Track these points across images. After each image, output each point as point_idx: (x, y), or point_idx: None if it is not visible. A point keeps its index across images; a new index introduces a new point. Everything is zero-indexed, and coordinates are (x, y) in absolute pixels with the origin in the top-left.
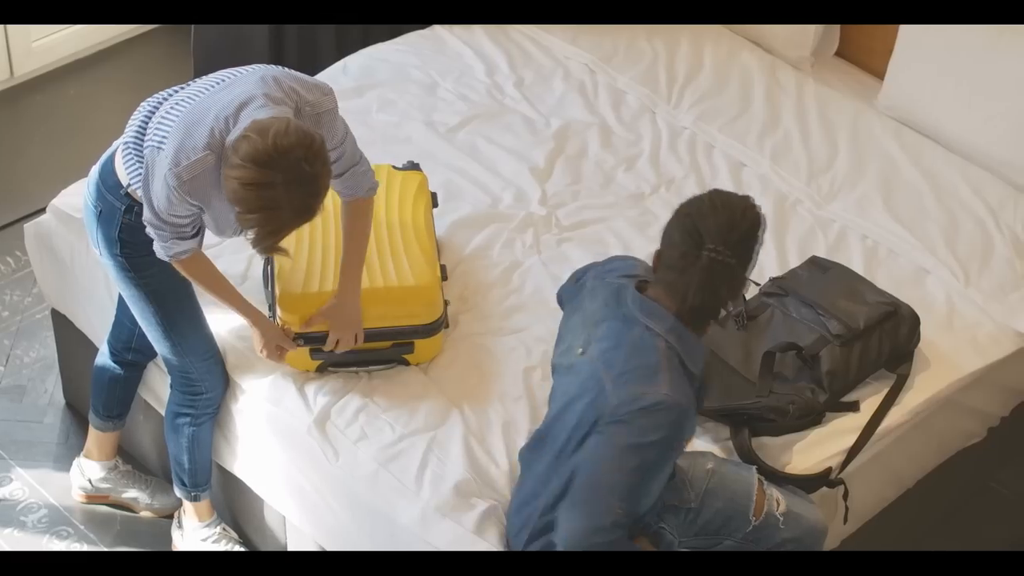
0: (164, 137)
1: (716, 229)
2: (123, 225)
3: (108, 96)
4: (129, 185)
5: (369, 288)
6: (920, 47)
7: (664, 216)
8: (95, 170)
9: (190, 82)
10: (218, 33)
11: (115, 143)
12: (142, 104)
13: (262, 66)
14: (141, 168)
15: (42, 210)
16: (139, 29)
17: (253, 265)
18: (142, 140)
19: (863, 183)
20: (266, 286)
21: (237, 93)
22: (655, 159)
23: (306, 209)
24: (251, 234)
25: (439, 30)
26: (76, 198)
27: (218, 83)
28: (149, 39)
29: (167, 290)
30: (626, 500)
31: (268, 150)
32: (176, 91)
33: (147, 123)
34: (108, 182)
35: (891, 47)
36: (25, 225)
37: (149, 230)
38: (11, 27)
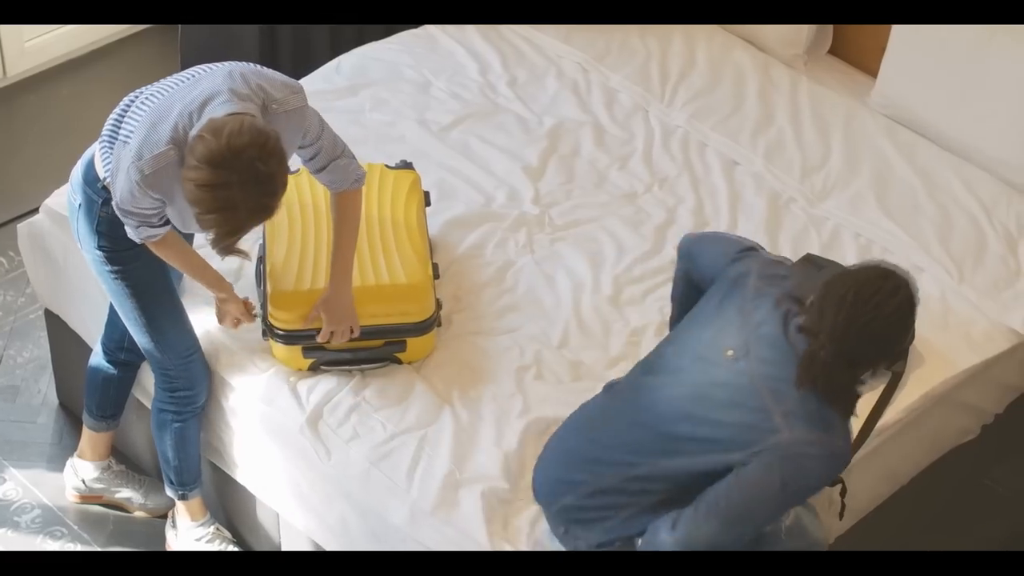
0: (131, 132)
1: (848, 328)
2: (101, 218)
3: (101, 96)
4: (106, 178)
5: (361, 286)
6: (913, 45)
7: (657, 215)
8: (78, 165)
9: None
10: (208, 33)
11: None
12: (123, 100)
13: (232, 63)
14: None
15: (35, 210)
16: (131, 29)
17: (246, 264)
18: (117, 135)
19: (856, 181)
20: (259, 285)
21: (203, 89)
22: (648, 158)
23: (262, 208)
24: (210, 234)
25: (432, 29)
26: None
27: (187, 79)
28: (141, 39)
29: (147, 285)
30: (762, 527)
31: (222, 150)
32: (149, 87)
33: (122, 118)
34: (88, 176)
35: (884, 45)
36: (18, 225)
37: (119, 214)
38: (3, 27)
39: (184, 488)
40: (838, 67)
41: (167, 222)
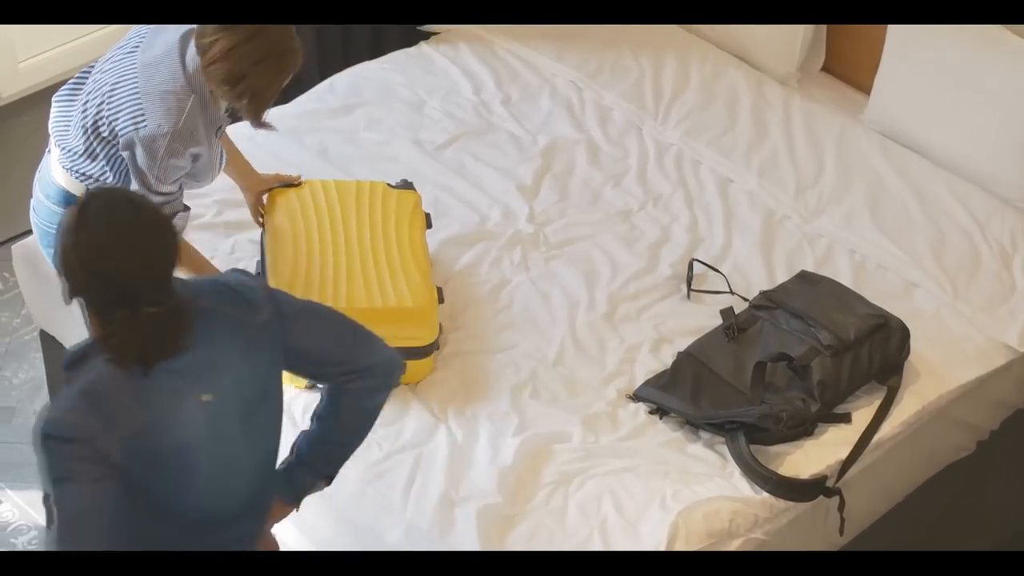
0: (136, 115)
1: None
2: None
3: None
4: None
5: (368, 308)
6: (906, 62)
7: (652, 233)
8: (37, 194)
9: (84, 73)
10: None
11: (42, 162)
12: (54, 110)
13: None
14: (96, 167)
15: (29, 231)
16: None
17: (243, 263)
18: (86, 141)
19: (850, 197)
20: None
21: (168, 37)
22: (642, 175)
23: (291, 51)
24: (243, 105)
25: (425, 48)
26: None
27: (136, 47)
28: None
29: None
30: None
31: (232, 26)
32: (79, 84)
33: (69, 126)
34: (55, 198)
35: (877, 62)
36: (13, 246)
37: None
38: None
39: None
40: (831, 84)
41: (186, 209)
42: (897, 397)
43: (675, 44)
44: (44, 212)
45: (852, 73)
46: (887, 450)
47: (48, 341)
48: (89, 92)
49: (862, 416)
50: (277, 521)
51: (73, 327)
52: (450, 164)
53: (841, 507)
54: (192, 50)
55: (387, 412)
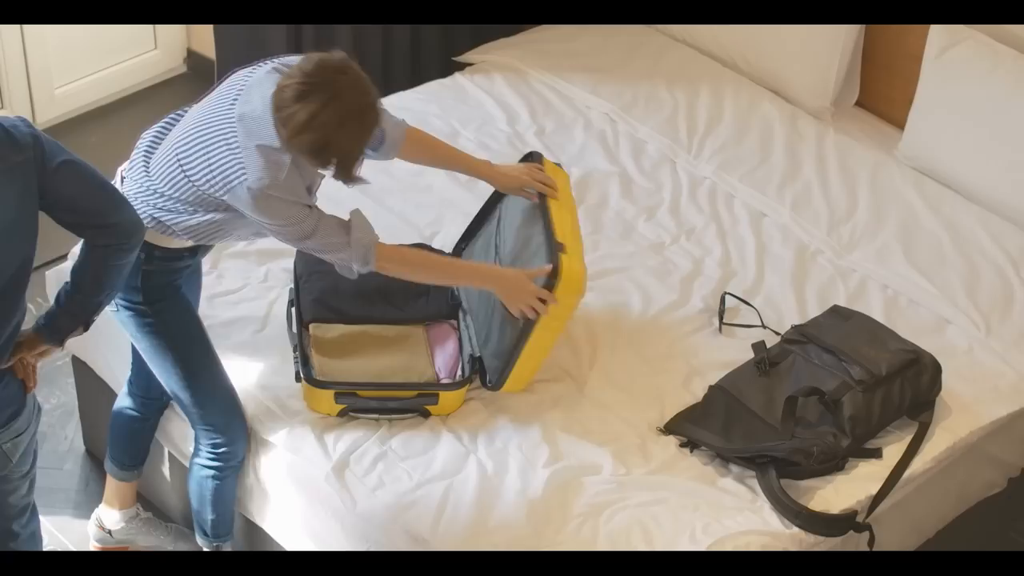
0: (234, 169)
1: None
2: (145, 272)
3: (129, 143)
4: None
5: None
6: (940, 97)
7: (684, 266)
8: None
9: (175, 116)
10: None
11: None
12: (137, 153)
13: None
14: (173, 216)
15: (63, 257)
16: (161, 77)
17: (276, 304)
18: (160, 189)
19: (883, 233)
20: (290, 327)
21: (264, 93)
22: (676, 209)
23: (368, 108)
24: (331, 168)
25: (460, 78)
26: None
27: (235, 100)
28: (171, 86)
29: (188, 337)
30: None
31: (301, 77)
32: (169, 125)
33: (149, 170)
34: None
35: (911, 97)
36: (47, 272)
37: (336, 261)
38: (34, 74)
39: (219, 540)
40: (865, 119)
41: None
42: (928, 433)
43: (709, 77)
44: None
45: (886, 108)
46: (918, 486)
47: (80, 367)
48: (180, 137)
49: (893, 451)
50: (37, 354)
51: (106, 353)
52: (484, 195)
53: (871, 543)
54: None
55: (418, 442)
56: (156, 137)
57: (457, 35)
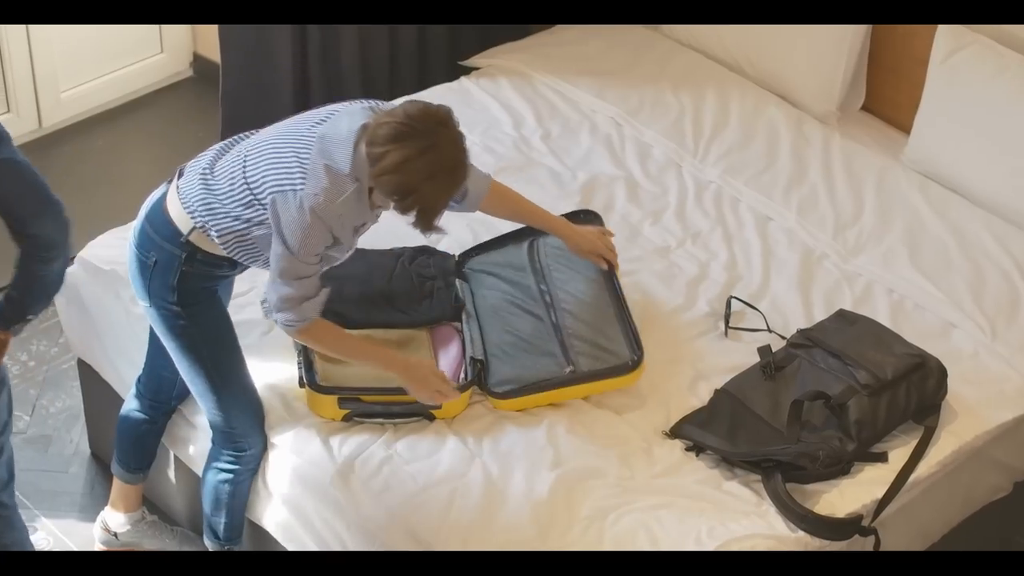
0: (295, 176)
1: None
2: (183, 273)
3: (136, 147)
4: (191, 231)
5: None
6: (945, 102)
7: (690, 270)
8: (142, 220)
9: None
10: (245, 83)
11: (159, 190)
12: (205, 154)
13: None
14: (215, 218)
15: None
16: (167, 80)
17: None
18: (215, 188)
19: (889, 237)
20: (296, 345)
21: (352, 122)
22: (681, 213)
23: (459, 166)
24: (412, 217)
25: (465, 82)
26: (104, 249)
27: (323, 120)
28: (177, 90)
29: (219, 338)
30: None
31: (403, 122)
32: (243, 138)
33: (212, 169)
34: (163, 232)
35: (917, 102)
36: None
37: (274, 301)
38: (40, 78)
39: (230, 542)
40: (871, 123)
41: (322, 288)
42: (934, 437)
43: (715, 81)
44: (142, 237)
45: (892, 112)
46: (923, 490)
47: (85, 370)
48: (254, 143)
49: (899, 455)
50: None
51: (112, 357)
52: None
53: (876, 546)
54: (364, 147)
55: (423, 445)
56: (227, 145)
57: (463, 38)
